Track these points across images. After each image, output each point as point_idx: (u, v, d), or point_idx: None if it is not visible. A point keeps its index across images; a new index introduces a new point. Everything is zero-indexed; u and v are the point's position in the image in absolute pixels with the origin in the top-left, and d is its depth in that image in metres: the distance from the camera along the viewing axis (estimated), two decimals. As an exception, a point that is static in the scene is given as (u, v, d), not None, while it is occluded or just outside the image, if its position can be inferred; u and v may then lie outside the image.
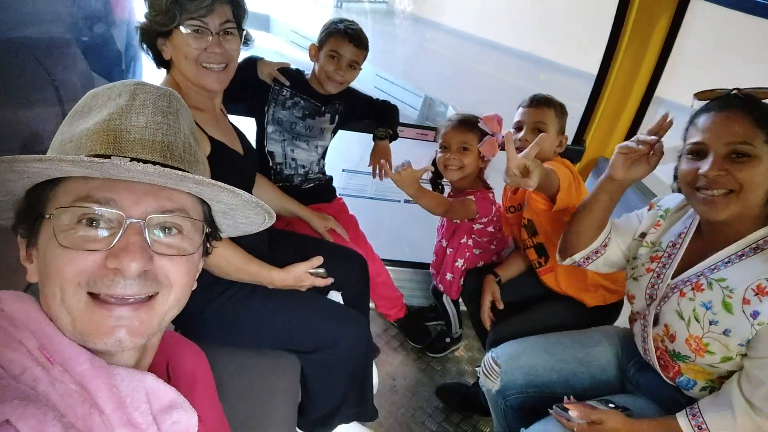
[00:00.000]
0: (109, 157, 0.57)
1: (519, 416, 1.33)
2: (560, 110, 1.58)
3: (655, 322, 1.08)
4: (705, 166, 0.93)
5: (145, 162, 0.56)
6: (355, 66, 1.71)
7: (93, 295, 0.56)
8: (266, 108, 1.75)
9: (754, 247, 0.96)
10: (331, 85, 1.70)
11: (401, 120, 1.92)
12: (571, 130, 2.09)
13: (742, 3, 1.39)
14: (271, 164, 1.81)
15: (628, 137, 1.97)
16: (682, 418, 0.99)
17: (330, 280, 1.45)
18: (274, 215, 0.75)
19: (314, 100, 1.77)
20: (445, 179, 1.83)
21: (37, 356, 0.53)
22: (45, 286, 0.57)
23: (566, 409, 1.09)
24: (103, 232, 0.56)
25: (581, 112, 2.08)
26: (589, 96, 2.05)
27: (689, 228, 1.10)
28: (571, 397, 1.15)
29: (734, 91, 0.96)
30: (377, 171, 1.80)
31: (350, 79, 1.73)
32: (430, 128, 2.03)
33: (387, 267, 2.10)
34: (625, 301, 1.24)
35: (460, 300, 1.95)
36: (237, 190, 0.64)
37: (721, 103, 0.95)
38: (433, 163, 1.80)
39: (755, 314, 0.91)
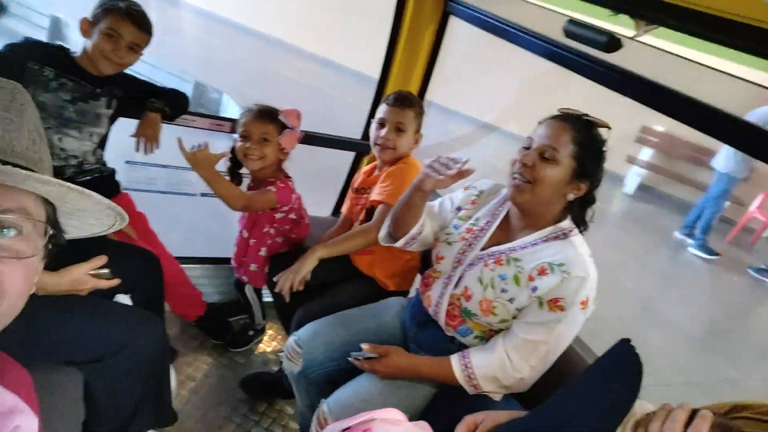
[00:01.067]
0: None
1: (321, 390, 1.43)
2: (419, 109, 1.73)
3: (457, 284, 1.30)
4: (523, 157, 1.19)
5: None
6: (135, 49, 1.58)
7: None
8: None
9: (544, 239, 1.23)
10: (106, 64, 1.54)
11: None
12: (360, 126, 2.31)
13: (485, 23, 1.74)
14: None
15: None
16: (453, 358, 1.24)
17: (116, 281, 1.33)
18: (127, 218, 0.72)
19: (86, 81, 1.58)
20: (244, 169, 1.83)
21: None
22: None
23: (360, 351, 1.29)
24: None
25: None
26: (373, 97, 2.28)
27: (500, 212, 1.34)
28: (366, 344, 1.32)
29: (583, 115, 1.21)
30: (140, 144, 1.72)
31: (129, 62, 1.59)
32: (226, 119, 2.00)
33: (183, 265, 2.00)
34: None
35: (264, 291, 1.97)
36: (87, 191, 0.61)
37: (564, 117, 1.21)
38: (232, 151, 1.78)
39: (534, 289, 1.16)
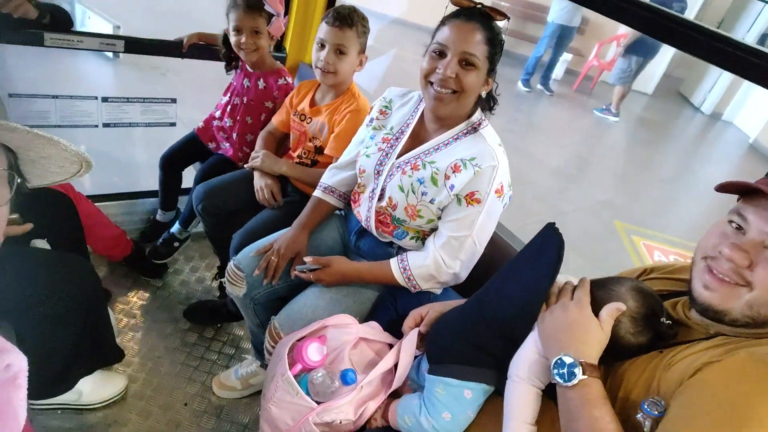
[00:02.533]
0: None
1: (268, 308, 1.46)
2: (362, 29, 1.59)
3: (381, 198, 1.32)
4: (441, 66, 1.15)
5: None
6: None
7: None
8: None
9: (455, 137, 1.25)
10: None
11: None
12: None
13: None
14: None
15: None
16: (393, 261, 1.31)
17: (28, 227, 1.23)
18: (92, 165, 0.69)
19: None
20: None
21: None
22: None
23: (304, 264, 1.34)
24: None
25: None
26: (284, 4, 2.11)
27: (414, 117, 1.34)
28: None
29: (479, 6, 1.16)
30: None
31: None
32: (117, 37, 1.78)
33: (98, 203, 1.86)
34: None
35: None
36: (56, 138, 0.59)
37: (467, 14, 1.15)
38: (224, 40, 1.82)
39: (452, 187, 1.20)
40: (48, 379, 1.34)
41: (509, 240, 1.42)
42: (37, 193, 1.41)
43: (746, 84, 6.48)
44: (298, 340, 1.16)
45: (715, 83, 7.41)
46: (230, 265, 1.45)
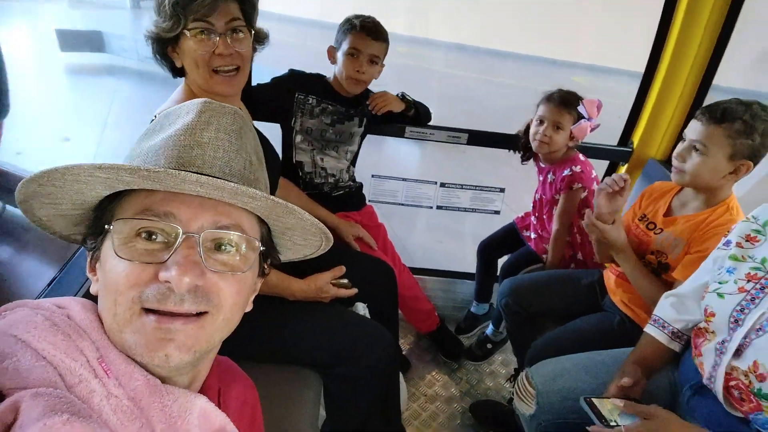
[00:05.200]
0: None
1: (557, 442, 1.21)
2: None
3: (738, 353, 0.93)
4: None
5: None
6: (376, 61, 1.64)
7: (146, 311, 0.56)
8: (293, 119, 1.71)
9: None
10: (353, 84, 1.65)
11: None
12: (617, 130, 1.97)
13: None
14: (300, 174, 1.77)
15: (680, 134, 1.81)
16: None
17: (354, 291, 1.39)
18: (332, 238, 0.73)
19: (340, 104, 1.72)
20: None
21: (95, 367, 0.53)
22: (101, 298, 0.58)
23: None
24: (159, 246, 0.57)
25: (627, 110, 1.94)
26: (636, 94, 1.91)
27: None
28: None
29: None
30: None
31: (371, 75, 1.67)
32: (462, 130, 1.94)
33: (417, 276, 2.02)
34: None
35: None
36: (291, 206, 0.63)
37: None
38: (525, 130, 1.82)
39: None
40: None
41: None
42: (366, 260, 1.64)
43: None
44: None
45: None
46: (522, 375, 1.29)
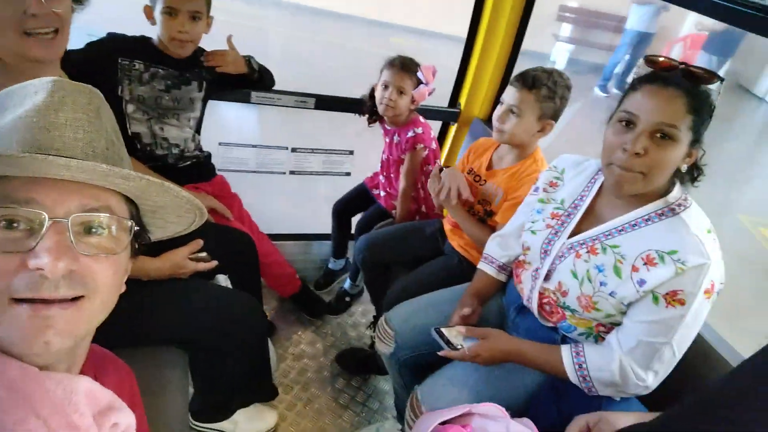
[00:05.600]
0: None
1: (414, 372, 1.39)
2: (547, 93, 1.50)
3: (547, 277, 1.14)
4: (629, 141, 0.95)
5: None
6: (198, 17, 1.48)
7: (16, 301, 0.53)
8: (119, 88, 1.52)
9: (645, 218, 1.02)
10: (178, 46, 1.50)
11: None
12: (446, 92, 2.18)
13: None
14: (139, 146, 1.60)
15: (498, 95, 2.08)
16: (565, 351, 1.09)
17: (213, 264, 1.38)
18: (206, 214, 0.72)
19: (173, 68, 1.57)
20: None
21: None
22: None
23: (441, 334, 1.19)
24: (22, 234, 0.54)
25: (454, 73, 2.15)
26: (461, 60, 2.12)
27: (590, 190, 1.15)
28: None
29: (682, 66, 0.96)
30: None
31: (197, 34, 1.52)
32: (309, 95, 1.96)
33: (276, 242, 2.04)
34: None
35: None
36: (167, 184, 0.62)
37: (664, 78, 0.96)
38: (371, 95, 1.88)
39: (641, 282, 0.98)
40: (211, 405, 1.46)
41: (708, 337, 1.12)
42: (223, 232, 1.62)
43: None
44: (441, 424, 1.05)
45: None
46: (381, 320, 1.43)
